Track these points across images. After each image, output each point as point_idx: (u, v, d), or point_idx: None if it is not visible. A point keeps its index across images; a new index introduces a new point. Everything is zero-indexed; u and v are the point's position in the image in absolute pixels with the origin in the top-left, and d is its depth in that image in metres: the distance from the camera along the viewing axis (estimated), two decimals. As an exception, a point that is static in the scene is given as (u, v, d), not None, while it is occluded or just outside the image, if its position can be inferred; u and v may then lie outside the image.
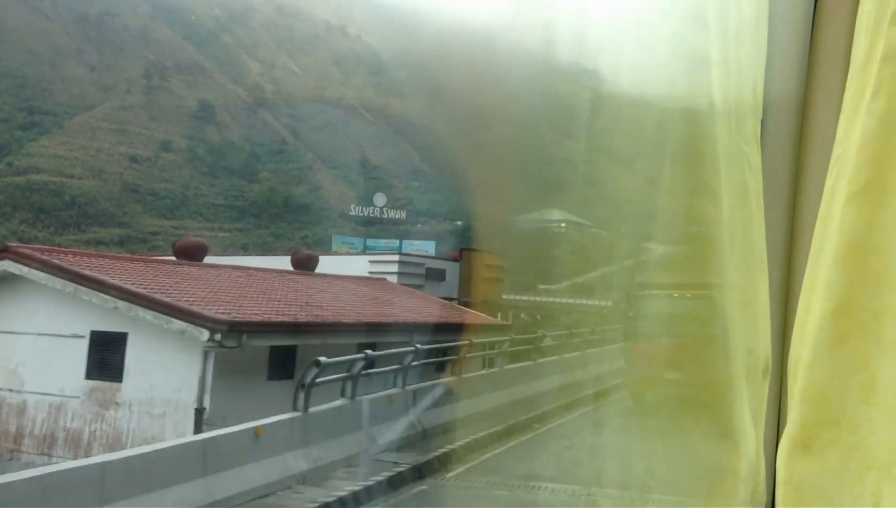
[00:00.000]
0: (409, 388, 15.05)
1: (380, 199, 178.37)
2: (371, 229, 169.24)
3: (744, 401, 2.15)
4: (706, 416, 2.29)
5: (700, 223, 2.27)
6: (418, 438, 14.24)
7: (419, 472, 12.42)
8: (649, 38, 2.44)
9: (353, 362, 13.33)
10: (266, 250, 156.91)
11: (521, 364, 20.39)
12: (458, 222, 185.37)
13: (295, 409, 12.29)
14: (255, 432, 11.15)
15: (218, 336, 15.64)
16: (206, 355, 16.07)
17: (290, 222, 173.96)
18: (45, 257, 17.55)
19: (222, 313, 16.56)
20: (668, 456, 2.46)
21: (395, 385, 15.09)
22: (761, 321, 2.22)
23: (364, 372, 13.61)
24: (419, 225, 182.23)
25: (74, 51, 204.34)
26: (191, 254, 21.11)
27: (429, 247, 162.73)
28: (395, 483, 11.80)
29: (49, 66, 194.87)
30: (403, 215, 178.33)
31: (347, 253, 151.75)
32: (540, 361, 20.42)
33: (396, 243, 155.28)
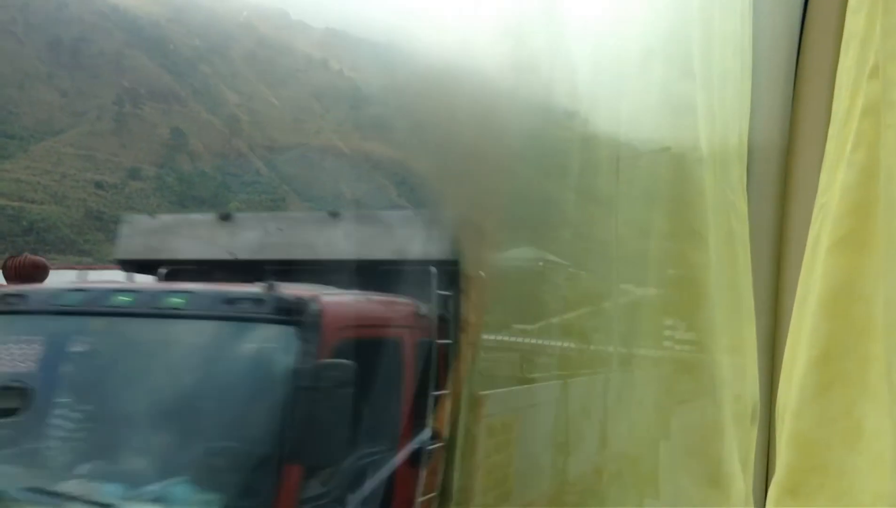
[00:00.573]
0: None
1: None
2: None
3: (733, 448, 2.21)
4: (695, 462, 2.32)
5: (688, 269, 2.34)
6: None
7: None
8: (636, 84, 2.49)
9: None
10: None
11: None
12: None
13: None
14: None
15: None
16: None
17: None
18: None
19: None
20: (656, 503, 2.48)
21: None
22: (749, 367, 2.29)
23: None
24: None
25: (45, 75, 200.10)
26: (28, 276, 15.60)
27: None
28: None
29: (17, 88, 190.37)
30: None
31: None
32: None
33: None
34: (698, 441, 2.18)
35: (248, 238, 5.47)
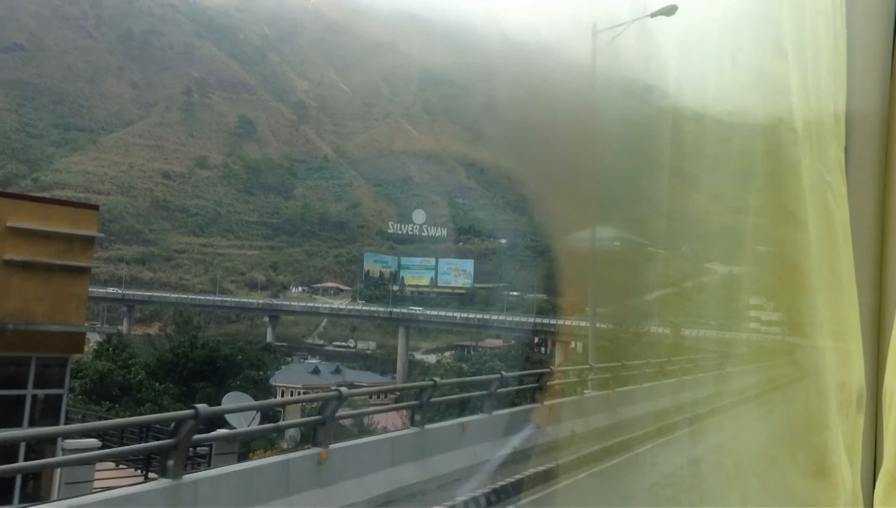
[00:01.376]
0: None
1: (419, 216, 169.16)
2: (409, 247, 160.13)
3: (838, 437, 2.21)
4: (801, 452, 2.33)
5: (783, 249, 2.36)
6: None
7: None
8: (731, 67, 2.50)
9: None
10: (297, 270, 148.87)
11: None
12: (503, 240, 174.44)
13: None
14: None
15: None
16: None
17: (325, 240, 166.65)
18: None
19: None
20: (762, 493, 2.47)
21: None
22: (854, 353, 2.27)
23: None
24: (461, 243, 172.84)
25: (116, 68, 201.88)
26: None
27: (467, 266, 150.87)
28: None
29: (88, 82, 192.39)
30: (444, 232, 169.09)
31: (381, 270, 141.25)
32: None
33: (432, 261, 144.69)
34: (802, 431, 2.17)
35: None
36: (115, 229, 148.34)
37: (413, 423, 12.91)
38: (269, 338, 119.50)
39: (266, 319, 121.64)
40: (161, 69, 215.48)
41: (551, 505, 11.80)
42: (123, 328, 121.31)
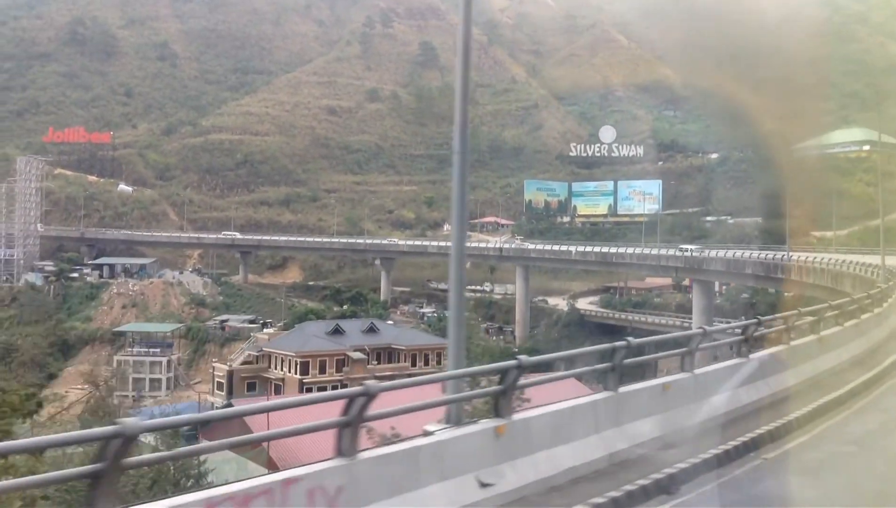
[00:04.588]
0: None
1: (608, 133, 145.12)
2: (595, 172, 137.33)
3: None
4: None
5: None
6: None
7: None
8: None
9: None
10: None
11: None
12: (714, 155, 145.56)
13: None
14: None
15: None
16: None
17: (495, 170, 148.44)
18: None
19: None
20: None
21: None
22: None
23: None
24: (660, 162, 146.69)
25: (303, 7, 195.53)
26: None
27: (653, 188, 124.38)
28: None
29: (273, 24, 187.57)
30: (640, 150, 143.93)
31: (545, 199, 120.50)
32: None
33: (610, 185, 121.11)
34: None
35: None
36: (265, 170, 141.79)
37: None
38: (382, 283, 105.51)
39: (377, 262, 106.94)
40: (350, 4, 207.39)
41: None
42: (239, 276, 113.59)
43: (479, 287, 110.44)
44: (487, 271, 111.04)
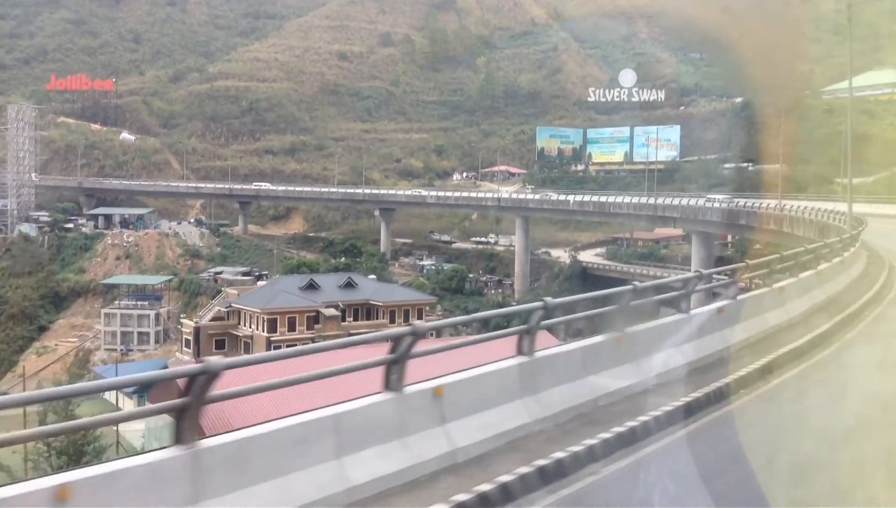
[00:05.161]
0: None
1: (627, 77, 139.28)
2: (614, 117, 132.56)
3: None
4: None
5: None
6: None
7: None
8: None
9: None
10: (467, 152, 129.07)
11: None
12: (738, 99, 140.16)
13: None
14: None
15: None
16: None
17: (509, 117, 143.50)
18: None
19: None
20: None
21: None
22: None
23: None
24: (682, 106, 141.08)
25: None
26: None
27: (671, 134, 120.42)
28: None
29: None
30: (661, 95, 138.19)
31: (559, 147, 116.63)
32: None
33: (626, 131, 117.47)
34: None
35: None
36: (270, 118, 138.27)
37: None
38: (382, 235, 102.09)
39: (376, 213, 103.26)
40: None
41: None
42: (239, 227, 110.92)
43: (482, 239, 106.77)
44: (493, 221, 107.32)
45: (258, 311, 57.88)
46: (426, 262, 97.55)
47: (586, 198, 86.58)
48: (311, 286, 62.89)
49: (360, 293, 64.10)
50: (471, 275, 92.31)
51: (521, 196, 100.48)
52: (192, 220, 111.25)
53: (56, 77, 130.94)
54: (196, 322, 62.35)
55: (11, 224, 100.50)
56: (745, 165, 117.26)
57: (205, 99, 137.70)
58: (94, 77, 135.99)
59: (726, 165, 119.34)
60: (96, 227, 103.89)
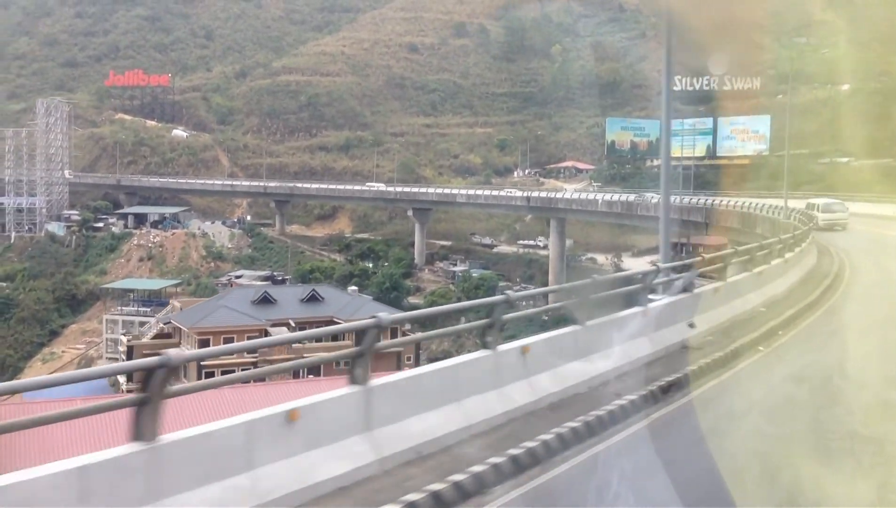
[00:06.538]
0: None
1: (719, 63, 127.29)
2: (700, 108, 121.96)
3: None
4: None
5: None
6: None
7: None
8: None
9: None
10: (534, 147, 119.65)
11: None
12: (844, 87, 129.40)
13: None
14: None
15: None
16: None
17: (584, 109, 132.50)
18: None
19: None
20: None
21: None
22: None
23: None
24: (779, 96, 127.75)
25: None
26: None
27: (761, 125, 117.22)
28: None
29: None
30: (757, 83, 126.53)
31: (631, 140, 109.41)
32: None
33: (709, 122, 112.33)
34: None
35: None
36: (329, 113, 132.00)
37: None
38: (416, 236, 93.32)
39: (410, 213, 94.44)
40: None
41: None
42: (275, 227, 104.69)
43: (530, 242, 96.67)
44: (544, 224, 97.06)
45: (186, 330, 50.80)
46: (459, 268, 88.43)
47: (614, 198, 75.61)
48: (266, 300, 55.31)
49: (325, 309, 55.82)
50: (502, 283, 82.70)
51: (583, 196, 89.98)
52: (228, 220, 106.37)
53: (114, 73, 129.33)
54: (129, 340, 55.88)
55: (41, 223, 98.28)
56: (844, 160, 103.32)
57: (264, 94, 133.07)
58: (162, 74, 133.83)
59: (821, 161, 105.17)
60: (126, 226, 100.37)
